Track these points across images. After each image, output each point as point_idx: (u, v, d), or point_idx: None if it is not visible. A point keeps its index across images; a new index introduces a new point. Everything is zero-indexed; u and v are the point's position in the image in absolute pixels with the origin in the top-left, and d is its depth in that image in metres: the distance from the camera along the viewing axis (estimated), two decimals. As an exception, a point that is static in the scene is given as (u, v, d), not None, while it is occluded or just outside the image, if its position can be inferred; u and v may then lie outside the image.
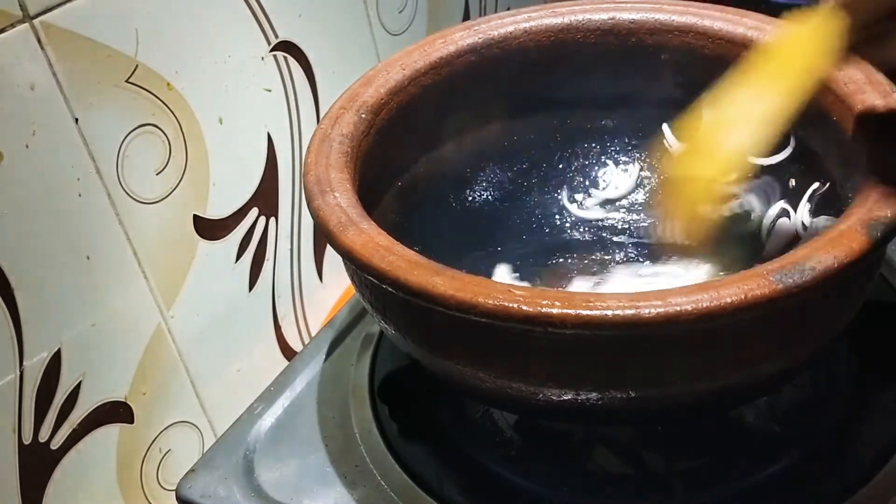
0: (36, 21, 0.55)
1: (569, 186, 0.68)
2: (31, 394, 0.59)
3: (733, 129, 0.51)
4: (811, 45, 0.48)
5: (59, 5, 0.56)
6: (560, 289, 0.62)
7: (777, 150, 0.59)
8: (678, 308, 0.40)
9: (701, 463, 0.54)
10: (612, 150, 0.68)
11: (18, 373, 0.58)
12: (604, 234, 0.67)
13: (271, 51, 0.72)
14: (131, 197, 0.63)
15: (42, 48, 0.56)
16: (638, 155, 0.67)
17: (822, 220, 0.57)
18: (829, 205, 0.56)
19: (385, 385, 0.61)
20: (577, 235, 0.67)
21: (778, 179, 0.61)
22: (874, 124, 0.51)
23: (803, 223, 0.58)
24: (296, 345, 0.82)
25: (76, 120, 0.58)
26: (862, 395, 0.56)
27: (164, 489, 0.71)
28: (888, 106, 0.51)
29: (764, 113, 0.50)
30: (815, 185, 0.57)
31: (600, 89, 0.65)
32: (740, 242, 0.60)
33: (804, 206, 0.58)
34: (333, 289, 0.85)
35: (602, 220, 0.67)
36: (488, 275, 0.63)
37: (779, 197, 0.61)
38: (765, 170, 0.61)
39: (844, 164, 0.54)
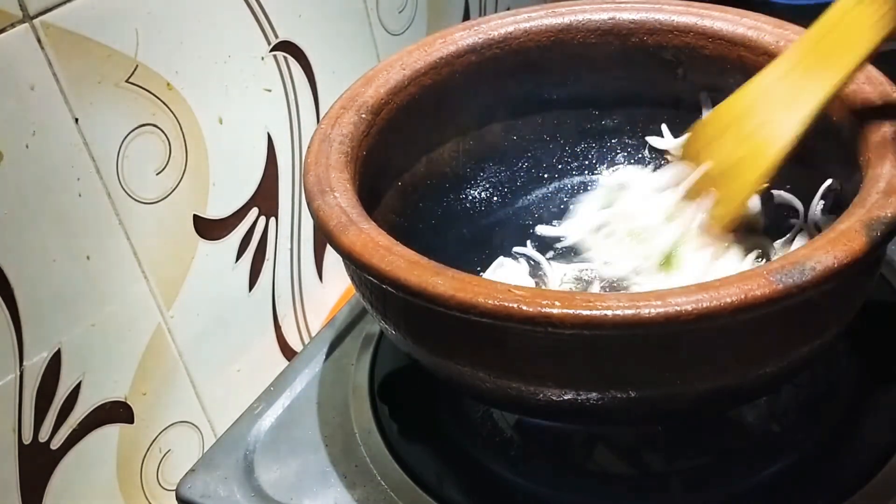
0: (36, 21, 0.55)
1: (569, 186, 0.68)
2: (31, 394, 0.59)
3: (775, 119, 0.52)
4: (858, 19, 0.48)
5: (59, 5, 0.56)
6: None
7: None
8: (678, 308, 0.40)
9: (701, 463, 0.54)
10: (611, 151, 0.68)
11: (18, 373, 0.58)
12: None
13: (271, 51, 0.72)
14: (131, 197, 0.63)
15: (42, 48, 0.56)
16: (638, 155, 0.67)
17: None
18: (843, 203, 0.56)
19: (385, 385, 0.61)
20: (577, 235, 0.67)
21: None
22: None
23: (815, 223, 0.58)
24: (296, 345, 0.82)
25: (76, 120, 0.58)
26: (862, 395, 0.56)
27: (164, 489, 0.71)
28: (887, 103, 0.51)
29: (809, 101, 0.51)
30: (829, 181, 0.57)
31: (600, 89, 0.65)
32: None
33: (817, 203, 0.58)
34: (333, 289, 0.85)
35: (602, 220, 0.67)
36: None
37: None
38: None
39: (844, 164, 0.54)
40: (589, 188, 0.67)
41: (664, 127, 0.65)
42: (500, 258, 0.64)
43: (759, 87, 0.55)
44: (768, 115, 0.53)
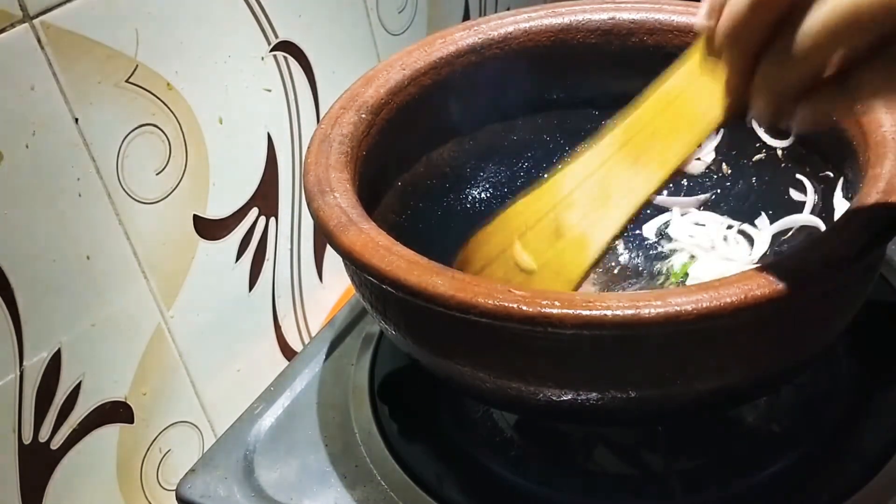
0: (36, 21, 0.55)
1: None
2: (31, 394, 0.59)
3: (594, 215, 0.48)
4: (697, 92, 0.43)
5: (59, 5, 0.56)
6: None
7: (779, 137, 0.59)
8: (678, 308, 0.40)
9: (701, 463, 0.54)
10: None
11: (18, 373, 0.58)
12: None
13: (271, 51, 0.72)
14: (131, 197, 0.63)
15: (42, 48, 0.56)
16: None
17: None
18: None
19: (385, 385, 0.61)
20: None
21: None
22: None
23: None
24: (296, 345, 0.82)
25: (76, 120, 0.58)
26: (862, 395, 0.56)
27: (164, 489, 0.71)
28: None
29: (631, 196, 0.46)
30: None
31: (600, 89, 0.65)
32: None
33: (839, 195, 0.58)
34: (333, 289, 0.85)
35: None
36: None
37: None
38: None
39: (844, 164, 0.54)
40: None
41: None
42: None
43: (563, 188, 0.50)
44: (579, 215, 0.49)
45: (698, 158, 0.65)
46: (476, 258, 0.53)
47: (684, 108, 0.45)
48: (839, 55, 0.34)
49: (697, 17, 0.40)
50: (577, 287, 0.49)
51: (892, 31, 0.33)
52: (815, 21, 0.33)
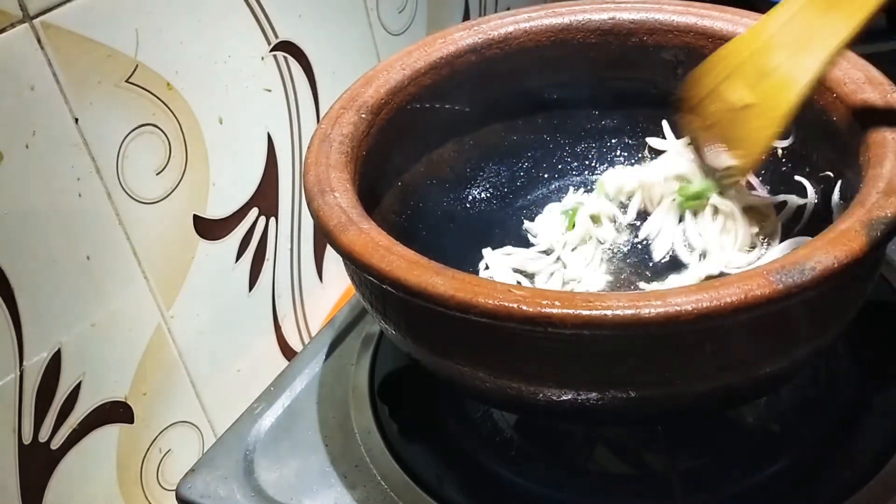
0: (36, 21, 0.55)
1: (569, 186, 0.68)
2: (31, 394, 0.59)
3: (790, 62, 0.51)
4: None
5: (59, 5, 0.56)
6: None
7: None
8: (678, 308, 0.40)
9: (701, 463, 0.54)
10: (611, 151, 0.68)
11: (18, 373, 0.58)
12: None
13: (271, 51, 0.72)
14: (131, 197, 0.63)
15: (42, 48, 0.56)
16: (638, 155, 0.67)
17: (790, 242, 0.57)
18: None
19: (385, 385, 0.61)
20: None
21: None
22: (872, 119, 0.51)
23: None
24: (296, 345, 0.82)
25: (76, 120, 0.58)
26: (861, 395, 0.56)
27: (164, 489, 0.71)
28: (887, 103, 0.51)
29: (826, 43, 0.49)
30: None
31: (600, 89, 0.65)
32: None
33: (837, 196, 0.58)
34: (333, 289, 0.85)
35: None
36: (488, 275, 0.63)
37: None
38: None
39: (844, 164, 0.54)
40: (589, 188, 0.67)
41: (665, 124, 0.65)
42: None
43: (766, 30, 0.53)
44: (781, 58, 0.52)
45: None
46: (694, 98, 0.58)
47: None
48: None
49: None
50: (765, 146, 0.54)
51: None
52: None
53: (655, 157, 0.66)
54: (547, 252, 0.64)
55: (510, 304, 0.41)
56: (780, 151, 0.61)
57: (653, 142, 0.66)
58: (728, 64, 0.55)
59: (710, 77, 0.56)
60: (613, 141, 0.67)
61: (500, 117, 0.65)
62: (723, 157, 0.57)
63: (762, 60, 0.53)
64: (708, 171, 0.59)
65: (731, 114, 0.55)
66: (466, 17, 0.95)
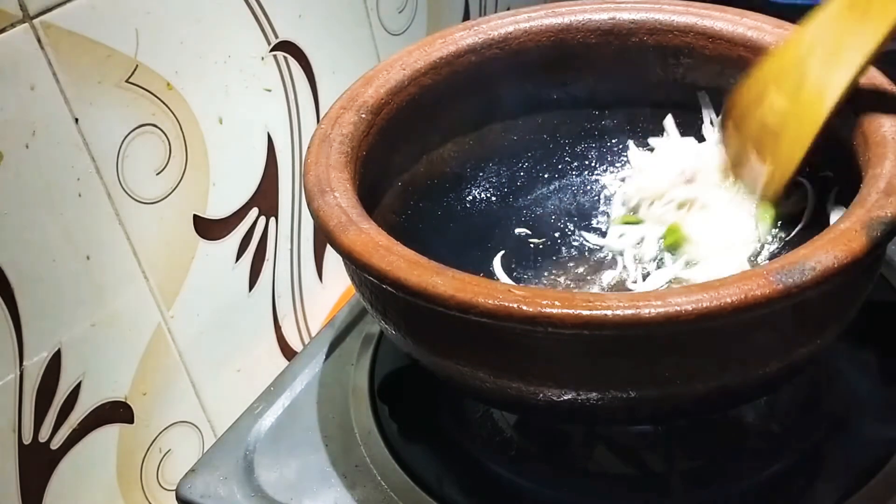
0: (36, 21, 0.55)
1: (569, 186, 0.68)
2: (31, 394, 0.59)
3: (823, 73, 0.51)
4: None
5: (59, 5, 0.56)
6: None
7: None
8: (678, 308, 0.40)
9: (701, 463, 0.54)
10: (611, 150, 0.68)
11: (18, 373, 0.58)
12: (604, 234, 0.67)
13: (271, 51, 0.72)
14: (131, 197, 0.63)
15: (42, 48, 0.56)
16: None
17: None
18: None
19: (385, 385, 0.61)
20: (576, 235, 0.67)
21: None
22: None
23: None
24: (296, 345, 0.82)
25: (76, 120, 0.58)
26: (861, 395, 0.56)
27: (164, 489, 0.71)
28: (888, 103, 0.51)
29: (856, 53, 0.49)
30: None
31: (600, 89, 0.65)
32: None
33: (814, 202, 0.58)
34: (333, 289, 0.85)
35: (603, 220, 0.67)
36: (488, 275, 0.63)
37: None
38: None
39: (844, 164, 0.54)
40: (589, 188, 0.67)
41: (669, 119, 0.65)
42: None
43: (804, 38, 0.53)
44: (815, 68, 0.52)
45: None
46: (736, 109, 0.58)
47: None
48: None
49: None
50: (800, 157, 0.53)
51: None
52: None
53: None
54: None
55: (510, 304, 0.41)
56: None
57: (654, 142, 0.66)
58: (768, 73, 0.55)
59: (752, 89, 0.56)
60: (613, 141, 0.67)
61: (500, 117, 0.65)
62: (757, 171, 0.57)
63: (799, 70, 0.53)
64: (747, 184, 0.59)
65: (769, 127, 0.55)
66: (466, 17, 0.95)
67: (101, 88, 0.59)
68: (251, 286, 0.76)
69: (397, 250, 0.45)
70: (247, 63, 0.70)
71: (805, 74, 0.53)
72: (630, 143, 0.66)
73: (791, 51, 0.54)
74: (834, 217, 0.55)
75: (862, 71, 0.50)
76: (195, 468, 0.57)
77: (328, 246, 0.61)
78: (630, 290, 0.60)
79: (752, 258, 0.59)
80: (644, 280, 0.61)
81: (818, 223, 0.58)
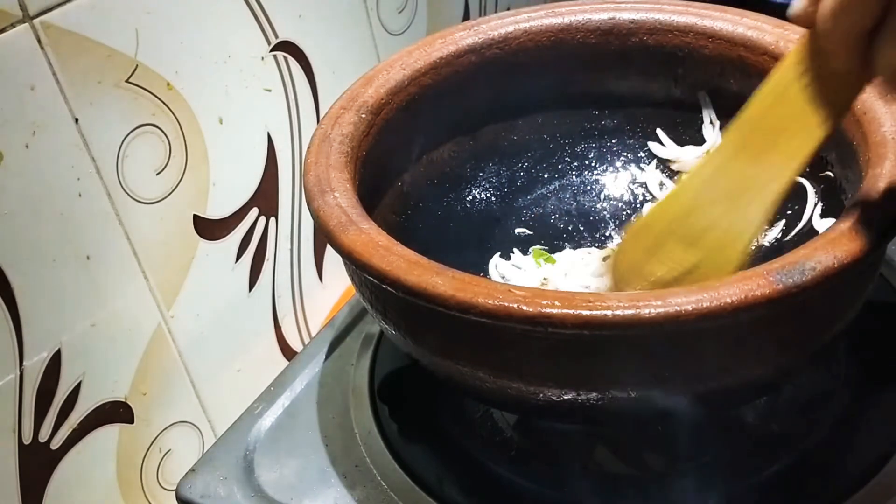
0: (36, 21, 0.55)
1: (569, 186, 0.68)
2: (31, 394, 0.59)
3: (730, 215, 0.48)
4: (809, 84, 0.42)
5: (59, 5, 0.56)
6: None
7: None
8: (678, 308, 0.40)
9: (701, 463, 0.54)
10: (611, 151, 0.68)
11: (18, 373, 0.58)
12: (604, 234, 0.67)
13: (271, 51, 0.72)
14: (131, 197, 0.63)
15: (42, 48, 0.56)
16: (638, 155, 0.67)
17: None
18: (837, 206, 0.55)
19: (385, 385, 0.61)
20: (577, 235, 0.67)
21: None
22: None
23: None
24: (296, 345, 0.82)
25: (76, 120, 0.58)
26: (861, 396, 0.56)
27: (164, 489, 0.71)
28: (887, 103, 0.51)
29: (767, 190, 0.46)
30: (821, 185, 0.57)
31: (600, 89, 0.65)
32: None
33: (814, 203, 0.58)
34: (333, 289, 0.85)
35: (603, 220, 0.67)
36: (488, 275, 0.63)
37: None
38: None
39: (844, 164, 0.54)
40: (589, 188, 0.67)
41: (660, 132, 0.65)
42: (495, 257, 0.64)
43: (688, 191, 0.51)
44: (717, 214, 0.49)
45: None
46: (616, 276, 0.55)
47: (797, 100, 0.44)
48: None
49: (793, 7, 0.40)
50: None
51: None
52: None
53: (654, 158, 0.66)
54: None
55: (510, 304, 0.41)
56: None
57: (655, 149, 0.66)
58: (652, 231, 0.52)
59: (637, 245, 0.53)
60: (613, 141, 0.67)
61: (500, 117, 0.65)
62: None
63: (692, 220, 0.50)
64: None
65: (681, 276, 0.51)
66: (466, 17, 0.95)
67: (101, 88, 0.59)
68: (251, 286, 0.76)
69: (397, 250, 0.45)
70: (247, 63, 0.70)
71: (705, 222, 0.49)
72: (659, 131, 0.65)
73: (676, 203, 0.51)
74: (824, 223, 0.55)
75: (777, 204, 0.47)
76: (195, 468, 0.57)
77: (328, 246, 0.61)
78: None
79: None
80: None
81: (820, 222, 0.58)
